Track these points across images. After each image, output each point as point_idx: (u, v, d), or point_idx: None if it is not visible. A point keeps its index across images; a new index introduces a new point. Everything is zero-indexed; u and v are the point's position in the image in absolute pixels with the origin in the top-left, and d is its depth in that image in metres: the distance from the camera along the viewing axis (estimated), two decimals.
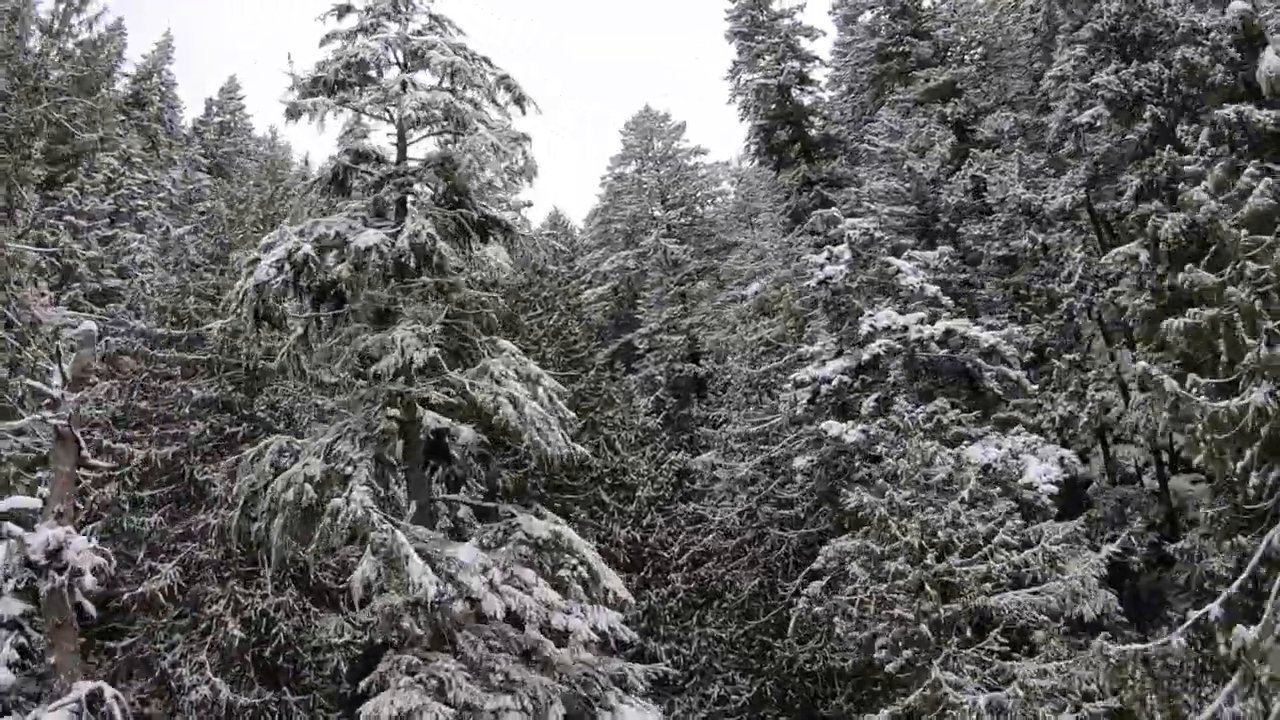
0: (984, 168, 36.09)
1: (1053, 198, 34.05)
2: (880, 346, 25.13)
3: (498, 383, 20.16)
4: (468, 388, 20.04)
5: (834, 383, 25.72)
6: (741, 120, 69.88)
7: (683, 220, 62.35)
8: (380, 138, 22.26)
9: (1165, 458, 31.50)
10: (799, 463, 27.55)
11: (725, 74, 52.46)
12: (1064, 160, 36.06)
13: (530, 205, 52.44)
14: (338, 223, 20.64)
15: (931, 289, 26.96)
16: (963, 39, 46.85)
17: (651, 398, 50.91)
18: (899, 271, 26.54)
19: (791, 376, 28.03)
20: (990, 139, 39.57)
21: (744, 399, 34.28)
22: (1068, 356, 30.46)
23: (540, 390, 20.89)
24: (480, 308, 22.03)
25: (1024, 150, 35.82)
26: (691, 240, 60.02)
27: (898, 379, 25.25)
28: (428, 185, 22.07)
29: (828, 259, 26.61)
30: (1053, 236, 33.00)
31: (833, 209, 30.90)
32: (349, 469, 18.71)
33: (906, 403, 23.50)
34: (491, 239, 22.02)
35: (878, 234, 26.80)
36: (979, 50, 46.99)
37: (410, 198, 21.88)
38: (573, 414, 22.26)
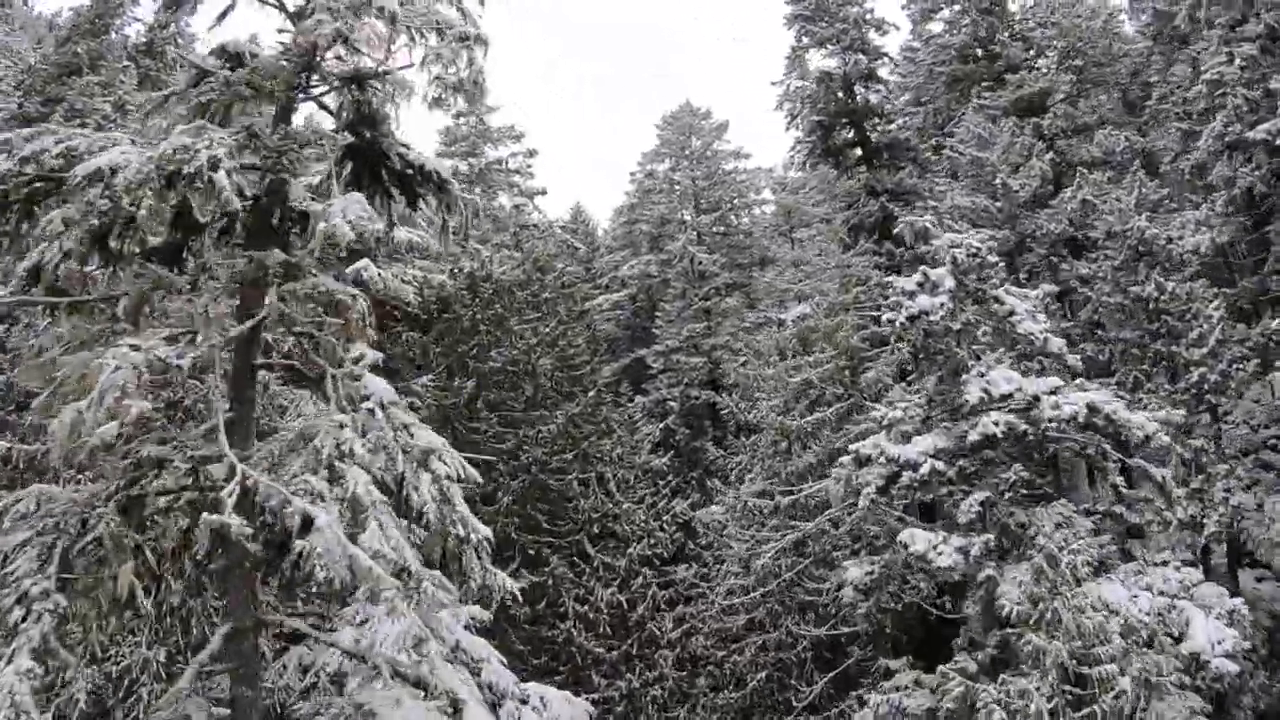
0: (1092, 192, 28.73)
1: (1180, 237, 26.68)
2: (998, 425, 17.59)
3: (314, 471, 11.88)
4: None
5: (923, 470, 18.14)
6: (790, 123, 62.92)
7: (715, 228, 55.03)
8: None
9: None
10: (853, 573, 19.95)
11: (781, 63, 45.14)
12: (1191, 190, 28.66)
13: (545, 193, 45.48)
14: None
15: (1056, 342, 19.44)
16: (1060, 43, 39.44)
17: (660, 425, 43.69)
18: (1012, 313, 19.12)
19: (847, 439, 20.71)
20: (1094, 159, 32.24)
21: (771, 449, 27.08)
22: (1193, 443, 23.13)
23: (424, 483, 13.24)
24: (342, 314, 14.48)
25: (1141, 176, 28.46)
26: (723, 251, 52.75)
27: (1016, 476, 17.69)
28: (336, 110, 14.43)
29: (920, 286, 19.09)
30: (1182, 286, 25.56)
31: (925, 217, 23.54)
32: None
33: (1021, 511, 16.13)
34: (421, 200, 14.44)
35: (991, 258, 19.37)
36: (1077, 60, 39.62)
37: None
38: (486, 532, 14.16)
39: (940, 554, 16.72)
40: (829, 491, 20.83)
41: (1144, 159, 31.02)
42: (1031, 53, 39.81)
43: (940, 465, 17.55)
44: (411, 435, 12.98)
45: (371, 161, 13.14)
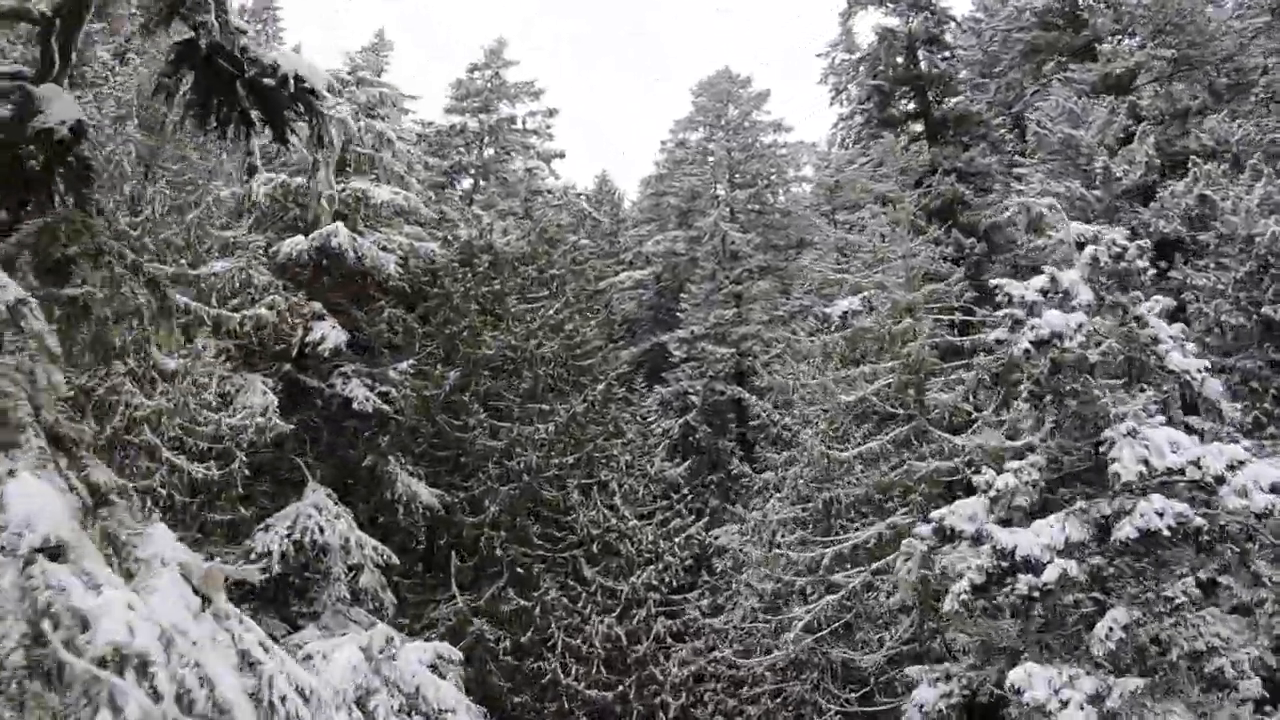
0: (1208, 186, 23.69)
1: None
2: (1163, 516, 12.44)
3: None
4: None
5: (1048, 575, 12.93)
6: (835, 97, 57.80)
7: (750, 206, 50.05)
8: None
9: None
10: (924, 694, 14.74)
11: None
12: None
13: (563, 156, 40.59)
14: None
15: (1214, 385, 14.20)
16: (1153, 17, 34.20)
17: (679, 421, 39.06)
18: (1157, 340, 14.03)
19: (907, 473, 15.90)
20: (1204, 149, 27.16)
21: (808, 471, 22.36)
22: None
23: None
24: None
25: (1268, 171, 23.39)
26: (757, 230, 47.80)
27: (1185, 590, 12.57)
28: None
29: (1045, 295, 13.90)
30: None
31: (1047, 200, 18.63)
32: None
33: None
34: (290, 129, 9.42)
35: (1140, 262, 14.26)
36: (1170, 36, 34.38)
37: None
38: None
39: (1065, 705, 11.64)
40: (894, 572, 15.92)
41: (1264, 152, 25.82)
42: (1121, 24, 34.55)
43: (1073, 567, 12.53)
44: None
45: (220, 71, 8.20)
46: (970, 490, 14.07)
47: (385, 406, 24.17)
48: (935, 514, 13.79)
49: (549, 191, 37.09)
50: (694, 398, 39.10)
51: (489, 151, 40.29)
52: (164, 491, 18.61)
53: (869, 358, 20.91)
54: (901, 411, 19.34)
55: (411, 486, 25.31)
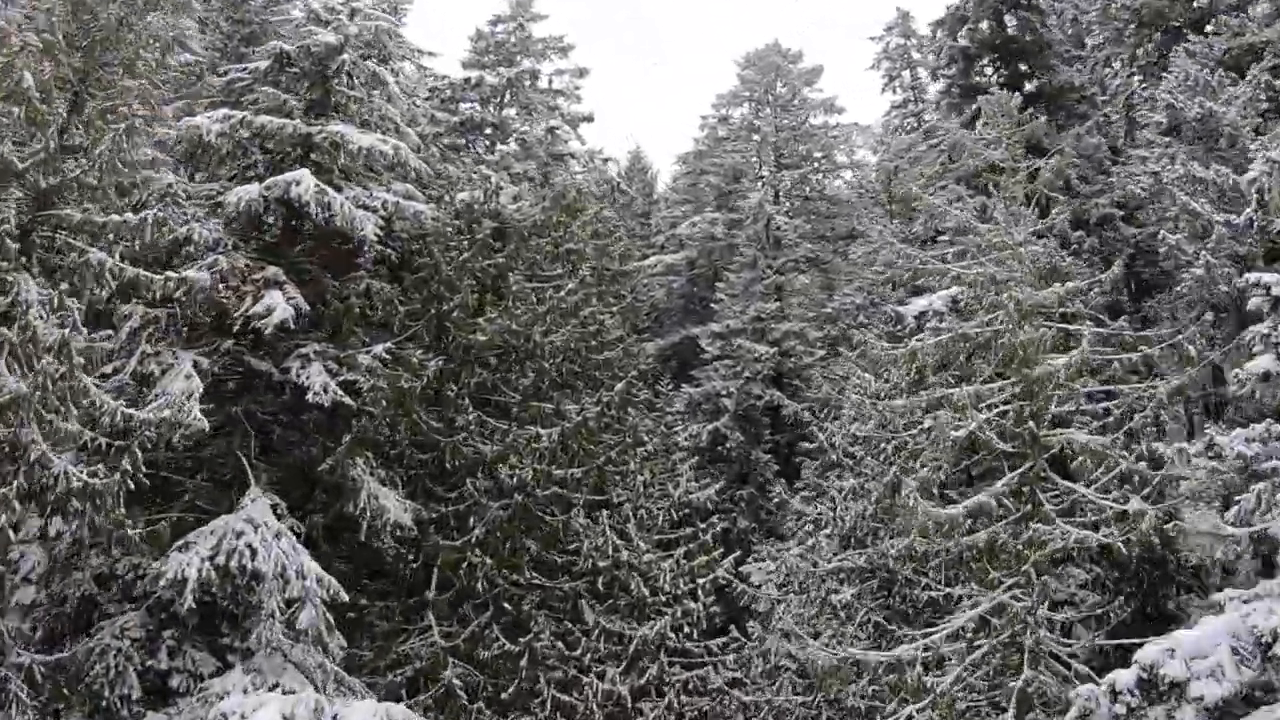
0: None
1: None
2: None
3: None
4: None
5: None
6: (888, 85, 52.52)
7: (797, 191, 45.00)
8: None
9: None
10: None
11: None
12: None
13: (591, 119, 35.54)
14: None
15: None
16: None
17: (708, 427, 34.05)
18: None
19: (1033, 546, 10.86)
20: None
21: (875, 510, 17.37)
22: None
23: None
24: None
25: None
26: (804, 217, 42.80)
27: None
28: None
29: None
30: None
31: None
32: None
33: None
34: None
35: None
36: None
37: None
38: None
39: None
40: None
41: None
42: None
43: None
44: None
45: None
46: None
47: (348, 400, 19.32)
48: (1145, 653, 8.79)
49: (572, 156, 32.10)
50: (726, 401, 34.07)
51: (510, 111, 35.30)
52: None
53: (972, 373, 15.77)
54: (1010, 448, 14.28)
55: (380, 498, 20.46)
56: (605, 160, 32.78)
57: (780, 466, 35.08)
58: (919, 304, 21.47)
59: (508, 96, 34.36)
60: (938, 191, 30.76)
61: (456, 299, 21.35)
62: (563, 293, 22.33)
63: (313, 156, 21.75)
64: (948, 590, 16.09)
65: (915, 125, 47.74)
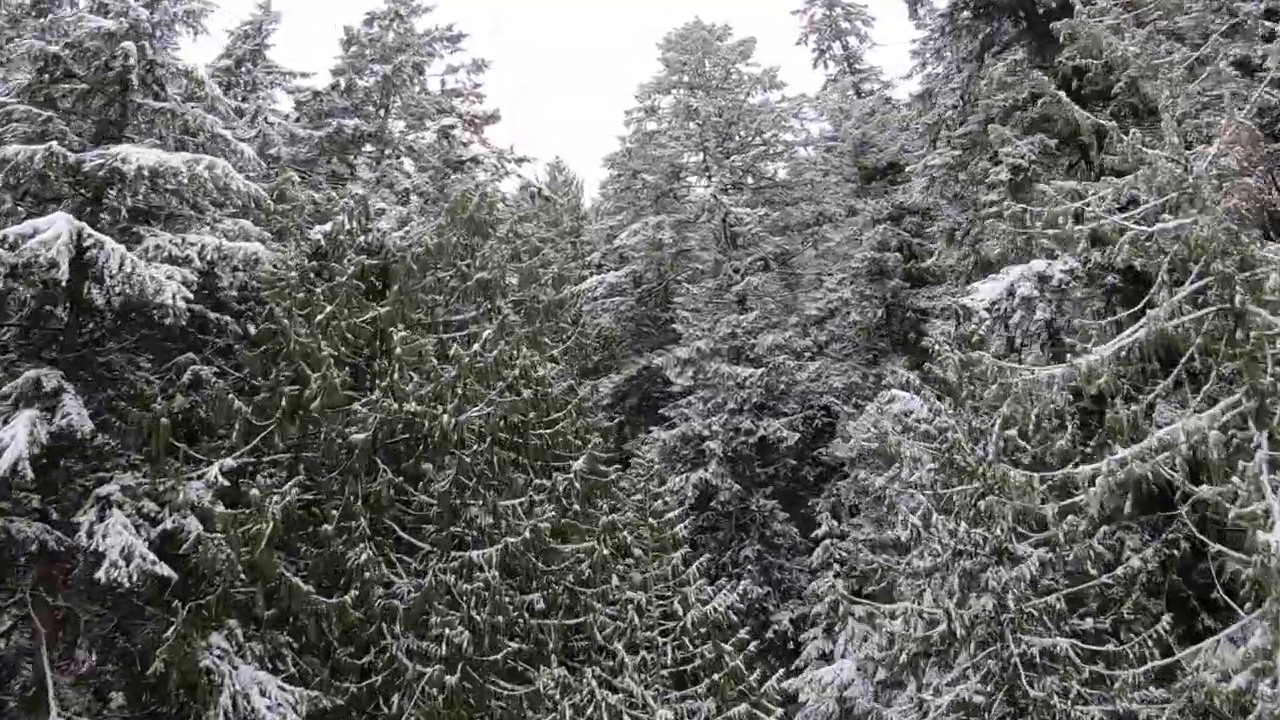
0: None
1: None
2: None
3: None
4: None
5: None
6: (821, 56, 46.97)
7: (748, 180, 38.00)
8: None
9: None
10: None
11: None
12: None
13: (497, 119, 28.13)
14: None
15: None
16: None
17: (692, 479, 26.80)
18: None
19: None
20: None
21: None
22: None
23: None
24: None
25: None
26: (762, 208, 35.77)
27: None
28: None
29: None
30: None
31: None
32: None
33: None
34: None
35: None
36: None
37: None
38: None
39: None
40: None
41: None
42: None
43: None
44: None
45: None
46: None
47: (161, 571, 11.95)
48: None
49: (475, 161, 24.77)
50: (712, 444, 26.76)
51: (398, 124, 27.85)
52: None
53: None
54: None
55: (251, 696, 13.14)
56: (519, 160, 25.47)
57: (784, 505, 28.04)
58: (990, 289, 14.62)
59: (389, 102, 26.88)
60: (952, 142, 23.94)
61: (317, 377, 13.91)
62: (478, 344, 14.95)
63: (108, 196, 14.40)
64: None
65: (877, 89, 41.47)
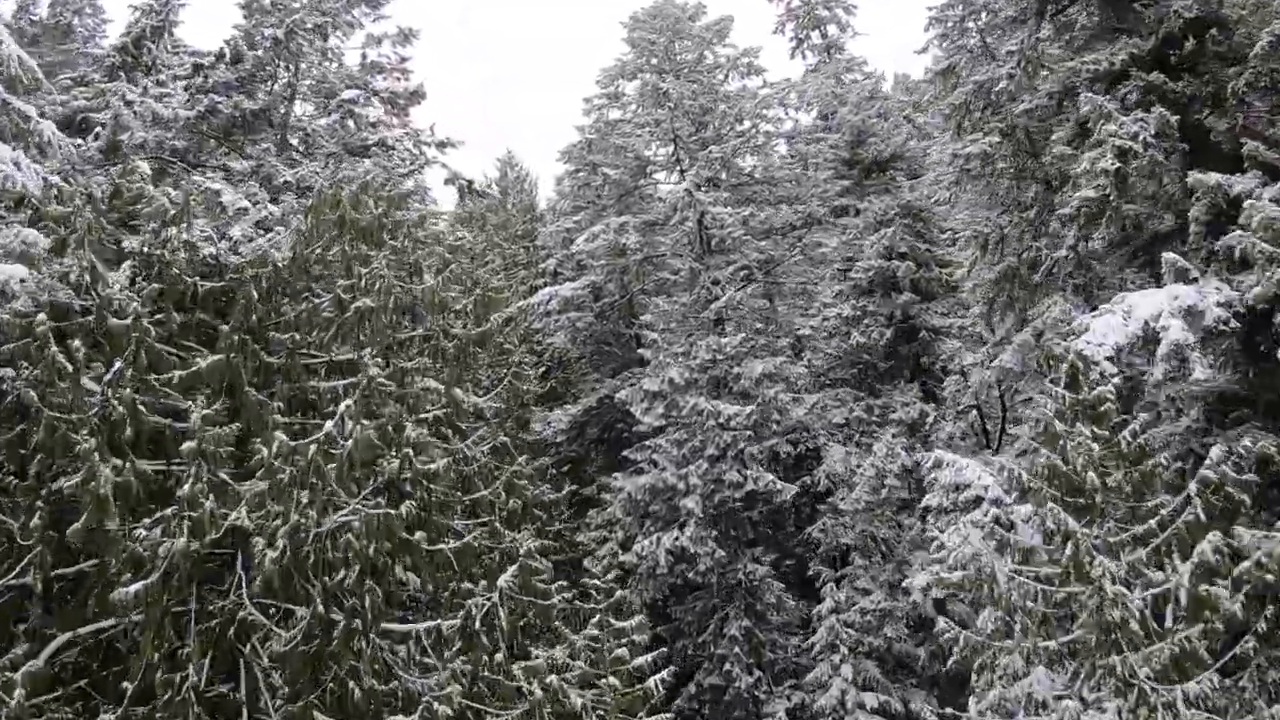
0: None
1: None
2: None
3: None
4: None
5: None
6: (799, 46, 44.42)
7: (724, 176, 32.72)
8: None
9: None
10: None
11: None
12: None
13: (422, 97, 22.67)
14: None
15: None
16: None
17: (664, 542, 21.55)
18: None
19: None
20: None
21: None
22: None
23: None
24: None
25: None
26: (742, 208, 30.55)
27: None
28: None
29: None
30: None
31: None
32: None
33: None
34: None
35: None
36: None
37: None
38: None
39: None
40: None
41: None
42: None
43: None
44: None
45: None
46: None
47: None
48: None
49: (385, 146, 19.35)
50: (689, 501, 21.49)
51: (307, 108, 22.42)
52: None
53: None
54: None
55: None
56: (441, 144, 20.13)
57: (777, 563, 22.95)
58: (1108, 327, 9.61)
59: (290, 76, 21.39)
60: (986, 127, 18.87)
61: (92, 483, 8.52)
62: (333, 423, 9.57)
63: None
64: None
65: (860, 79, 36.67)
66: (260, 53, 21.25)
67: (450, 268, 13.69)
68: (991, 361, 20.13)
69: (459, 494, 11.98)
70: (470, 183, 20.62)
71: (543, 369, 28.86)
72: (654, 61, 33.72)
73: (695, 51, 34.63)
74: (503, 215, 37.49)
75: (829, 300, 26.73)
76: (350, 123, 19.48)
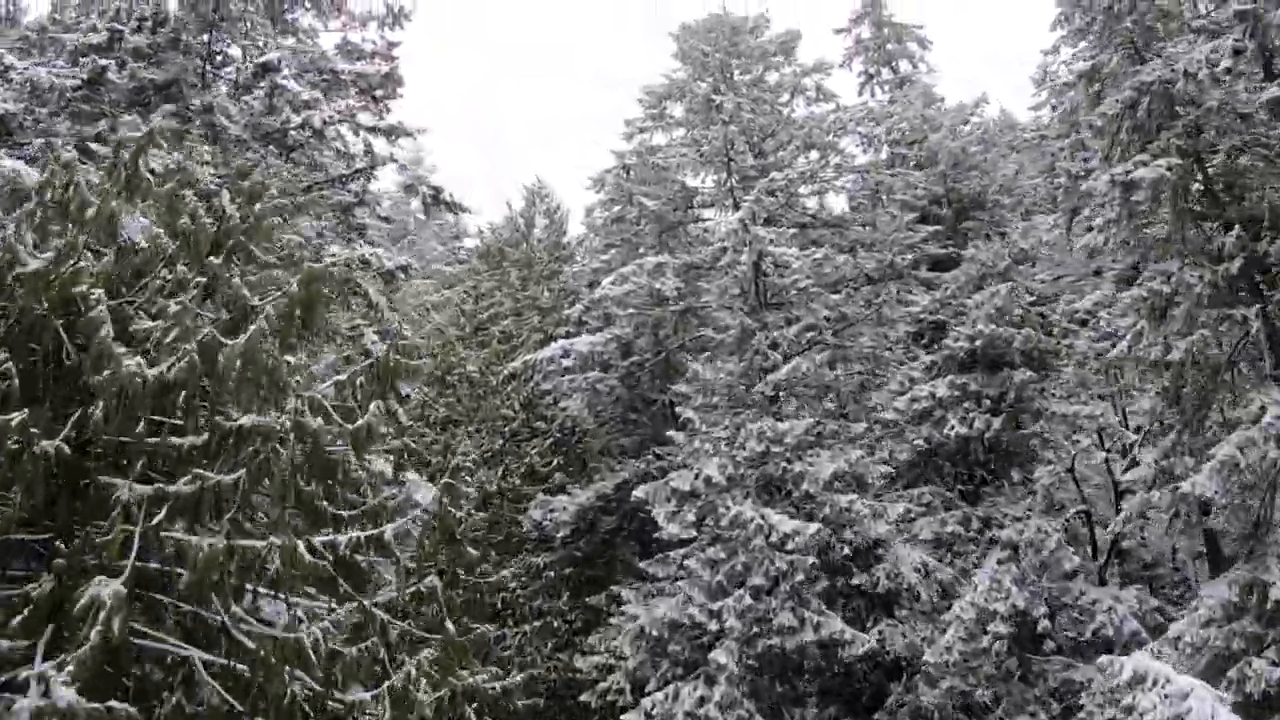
0: None
1: None
2: None
3: None
4: None
5: None
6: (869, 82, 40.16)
7: (782, 214, 26.60)
8: None
9: None
10: None
11: None
12: None
13: (398, 87, 17.01)
14: None
15: None
16: None
17: (684, 697, 15.39)
18: None
19: None
20: None
21: None
22: None
23: None
24: None
25: None
26: (808, 251, 24.48)
27: None
28: None
29: None
30: None
31: None
32: None
33: None
34: None
35: None
36: None
37: None
38: None
39: None
40: None
41: None
42: None
43: None
44: None
45: None
46: None
47: None
48: None
49: (313, 135, 13.70)
50: (720, 655, 15.30)
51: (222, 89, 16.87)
52: None
53: None
54: None
55: None
56: (393, 133, 14.48)
57: None
58: None
59: (213, 49, 15.92)
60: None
61: None
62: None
63: None
64: None
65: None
66: (180, 14, 15.80)
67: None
68: (1163, 485, 13.99)
69: None
70: (438, 192, 14.91)
71: (549, 440, 22.94)
72: (707, 78, 28.07)
73: (756, 69, 29.01)
74: (525, 251, 31.71)
75: (916, 373, 20.60)
76: (286, 106, 13.84)
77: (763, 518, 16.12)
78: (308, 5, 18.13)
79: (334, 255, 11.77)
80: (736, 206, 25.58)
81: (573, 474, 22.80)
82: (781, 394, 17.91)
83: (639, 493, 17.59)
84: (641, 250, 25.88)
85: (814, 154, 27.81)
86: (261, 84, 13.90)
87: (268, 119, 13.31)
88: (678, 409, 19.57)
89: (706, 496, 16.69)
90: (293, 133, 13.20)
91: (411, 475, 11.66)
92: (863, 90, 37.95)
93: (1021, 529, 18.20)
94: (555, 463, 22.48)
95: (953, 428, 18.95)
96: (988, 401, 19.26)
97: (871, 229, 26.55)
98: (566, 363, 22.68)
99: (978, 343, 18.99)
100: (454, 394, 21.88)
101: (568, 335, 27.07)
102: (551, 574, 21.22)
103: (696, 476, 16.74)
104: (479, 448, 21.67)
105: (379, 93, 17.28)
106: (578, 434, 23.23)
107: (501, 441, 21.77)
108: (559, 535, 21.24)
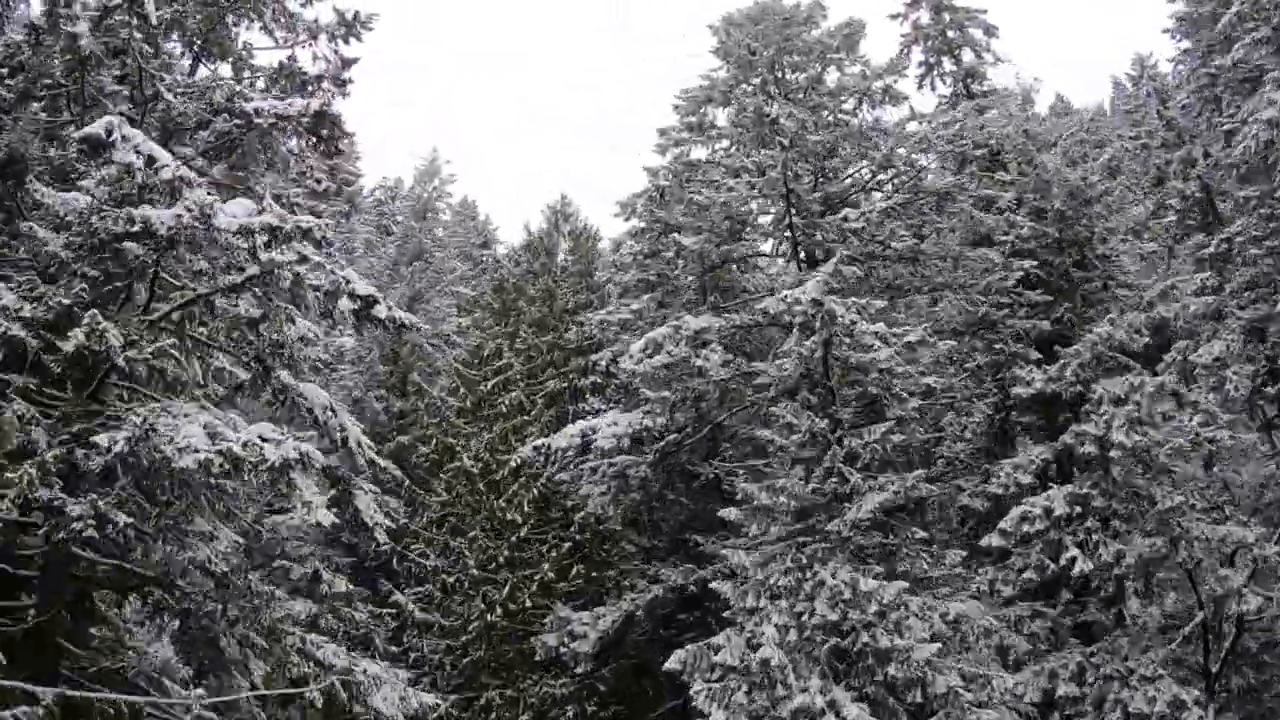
0: None
1: None
2: None
3: None
4: None
5: None
6: (928, 74, 35.09)
7: (854, 262, 21.85)
8: None
9: None
10: None
11: None
12: None
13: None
14: None
15: None
16: None
17: None
18: None
19: None
20: None
21: None
22: None
23: None
24: None
25: None
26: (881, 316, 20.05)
27: None
28: None
29: None
30: None
31: None
32: None
33: None
34: None
35: None
36: None
37: None
38: None
39: None
40: None
41: None
42: None
43: None
44: None
45: None
46: None
47: None
48: None
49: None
50: None
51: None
52: None
53: None
54: None
55: None
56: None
57: None
58: None
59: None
60: None
61: None
62: None
63: None
64: None
65: None
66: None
67: None
68: None
69: None
70: (369, 303, 10.68)
71: (567, 544, 18.86)
72: (755, 78, 23.78)
73: (812, 68, 24.63)
74: (547, 283, 27.37)
75: (1020, 473, 16.23)
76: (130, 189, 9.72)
77: (835, 711, 11.93)
78: (252, 17, 14.11)
79: None
80: (795, 246, 21.39)
81: (594, 579, 18.71)
82: (861, 534, 13.63)
83: (675, 661, 13.42)
84: (680, 297, 21.59)
85: (890, 173, 23.46)
86: (96, 164, 9.61)
87: (103, 220, 9.08)
88: (725, 485, 15.44)
89: (760, 676, 12.50)
90: (158, 226, 9.02)
91: None
92: (921, 84, 33.29)
93: (1151, 695, 13.97)
94: (575, 571, 18.40)
95: (1074, 560, 14.61)
96: (1117, 522, 14.89)
97: (952, 264, 22.15)
98: (592, 454, 18.48)
99: (1112, 453, 14.60)
100: (453, 492, 17.94)
101: (592, 391, 22.95)
102: (568, 712, 17.19)
103: (747, 649, 12.57)
104: (482, 553, 17.70)
105: (313, 139, 13.20)
106: (601, 533, 19.09)
107: (508, 552, 17.75)
108: (578, 668, 17.20)
